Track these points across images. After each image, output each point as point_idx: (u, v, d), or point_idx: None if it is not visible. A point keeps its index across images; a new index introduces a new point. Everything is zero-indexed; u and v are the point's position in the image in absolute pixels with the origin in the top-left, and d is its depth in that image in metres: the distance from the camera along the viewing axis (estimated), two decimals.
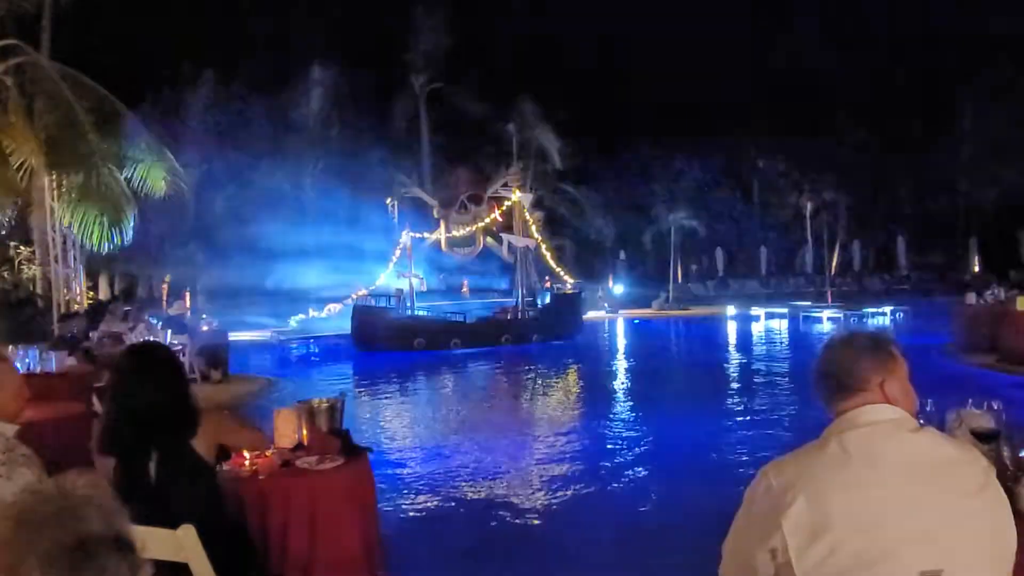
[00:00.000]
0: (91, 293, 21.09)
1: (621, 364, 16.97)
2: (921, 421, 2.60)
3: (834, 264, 35.83)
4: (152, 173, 14.76)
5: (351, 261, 29.93)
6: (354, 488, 3.41)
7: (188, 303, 20.85)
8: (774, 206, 38.34)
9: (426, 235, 20.54)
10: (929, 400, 2.74)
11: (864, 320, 21.12)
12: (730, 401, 10.95)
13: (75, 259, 15.95)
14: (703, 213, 35.92)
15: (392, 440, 8.81)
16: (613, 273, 35.39)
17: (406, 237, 19.96)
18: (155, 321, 13.01)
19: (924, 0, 34.04)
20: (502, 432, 9.01)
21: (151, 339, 9.95)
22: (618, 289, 32.29)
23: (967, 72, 32.21)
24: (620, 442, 8.34)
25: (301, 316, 23.02)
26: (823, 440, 1.76)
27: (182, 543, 2.16)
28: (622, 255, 36.94)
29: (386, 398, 12.20)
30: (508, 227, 25.27)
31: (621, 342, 22.13)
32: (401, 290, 19.93)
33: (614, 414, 10.30)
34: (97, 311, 13.30)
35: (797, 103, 34.27)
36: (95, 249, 14.45)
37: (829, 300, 25.81)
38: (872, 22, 36.89)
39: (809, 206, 35.52)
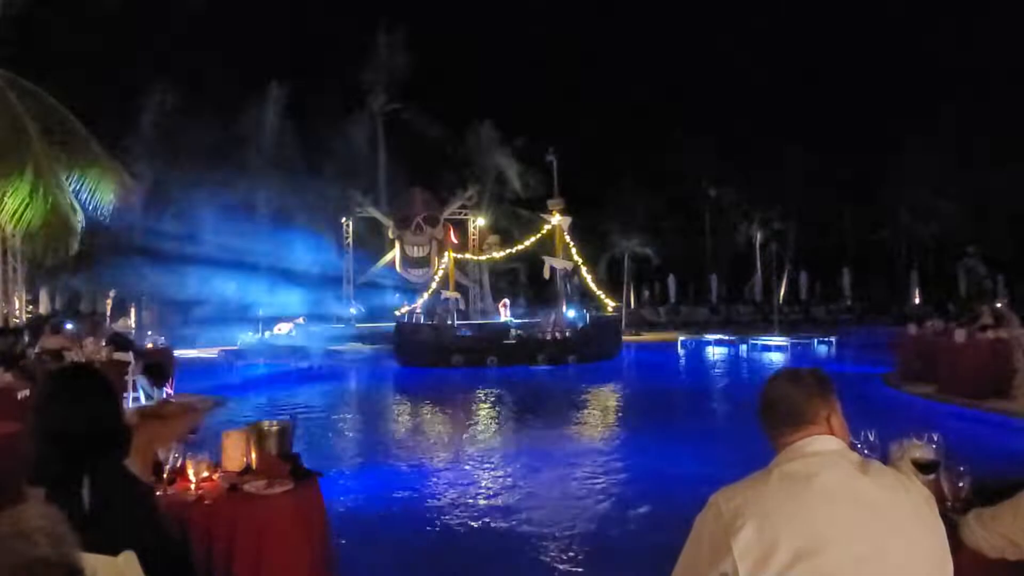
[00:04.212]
0: (31, 308, 20.41)
1: (643, 388, 16.65)
2: (865, 452, 2.68)
3: (782, 293, 36.65)
4: (101, 185, 14.37)
5: (302, 280, 29.53)
6: (303, 513, 3.34)
7: (133, 319, 20.34)
8: (725, 235, 39.18)
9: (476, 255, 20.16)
10: (872, 430, 2.81)
11: (809, 348, 21.47)
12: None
13: (15, 271, 15.43)
14: (656, 240, 36.46)
15: (372, 460, 8.70)
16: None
17: (449, 256, 19.94)
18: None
19: (874, 40, 35.44)
20: (497, 454, 8.93)
21: (84, 359, 9.63)
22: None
23: (912, 112, 33.55)
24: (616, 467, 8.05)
25: (251, 334, 22.60)
26: (772, 468, 1.82)
27: (123, 570, 2.10)
28: (576, 280, 37.15)
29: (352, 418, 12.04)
30: (463, 247, 25.08)
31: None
32: (446, 307, 20.00)
33: (621, 440, 9.92)
34: (37, 326, 12.85)
35: (748, 135, 35.21)
36: (37, 261, 14.01)
37: (776, 328, 26.32)
38: (823, 58, 38.27)
39: (759, 236, 36.42)
